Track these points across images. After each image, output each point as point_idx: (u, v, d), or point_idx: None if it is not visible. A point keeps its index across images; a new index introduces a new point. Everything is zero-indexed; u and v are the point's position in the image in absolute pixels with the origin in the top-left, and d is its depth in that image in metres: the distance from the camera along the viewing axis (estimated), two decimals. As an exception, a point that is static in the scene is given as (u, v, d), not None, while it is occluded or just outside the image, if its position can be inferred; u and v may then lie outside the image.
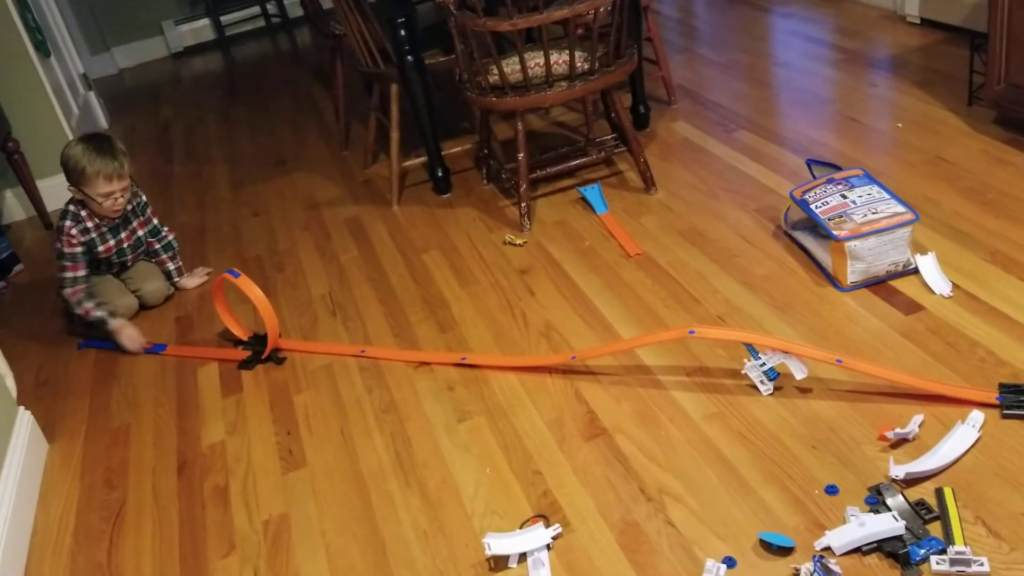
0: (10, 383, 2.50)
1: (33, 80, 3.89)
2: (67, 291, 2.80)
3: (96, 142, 2.76)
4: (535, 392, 2.23)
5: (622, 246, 2.77)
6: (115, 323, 2.79)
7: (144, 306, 3.00)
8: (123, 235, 2.93)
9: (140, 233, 2.98)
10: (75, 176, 2.73)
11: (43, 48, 4.14)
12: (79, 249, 2.80)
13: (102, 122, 5.03)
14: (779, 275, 2.48)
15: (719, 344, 2.24)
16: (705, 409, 2.06)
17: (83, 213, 2.81)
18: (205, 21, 6.33)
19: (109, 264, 2.97)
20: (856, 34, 3.95)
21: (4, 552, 1.98)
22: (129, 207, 2.91)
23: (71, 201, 2.82)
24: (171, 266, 3.08)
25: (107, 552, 2.05)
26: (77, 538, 2.11)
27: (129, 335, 2.77)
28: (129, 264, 3.01)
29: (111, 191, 2.75)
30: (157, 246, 3.06)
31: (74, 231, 2.79)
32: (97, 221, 2.84)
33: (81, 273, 2.81)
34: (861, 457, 1.84)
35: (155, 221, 3.04)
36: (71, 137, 4.02)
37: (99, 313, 2.79)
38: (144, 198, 3.01)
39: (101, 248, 2.87)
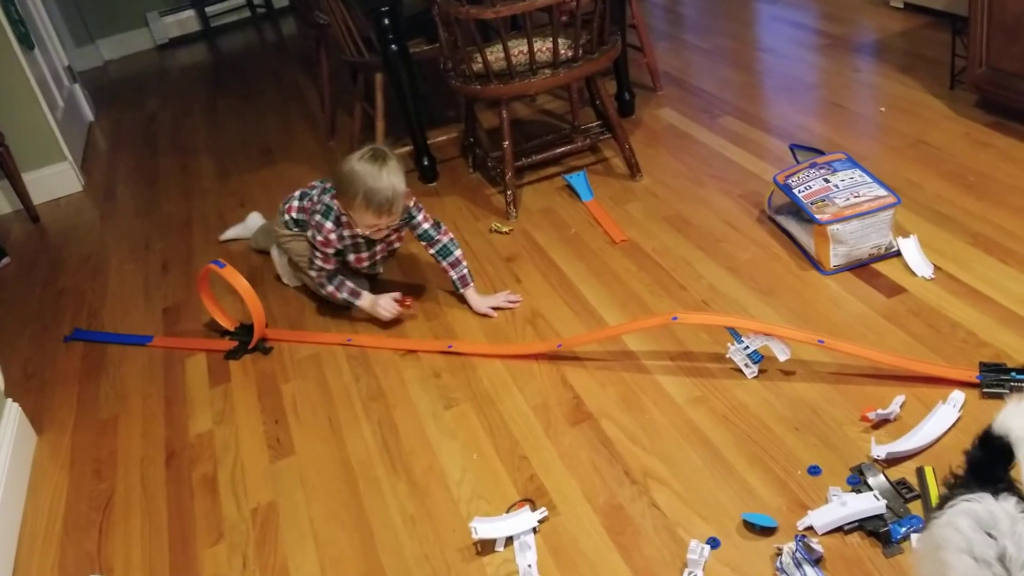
0: (-3, 376, 2.50)
1: (17, 73, 3.87)
2: (312, 273, 2.59)
3: (378, 168, 2.38)
4: (521, 378, 2.24)
5: (607, 233, 2.78)
6: (361, 302, 2.58)
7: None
8: (378, 247, 2.64)
9: (398, 245, 2.71)
10: (348, 194, 2.41)
11: (26, 41, 4.12)
12: (331, 249, 2.53)
13: (88, 115, 5.01)
14: (763, 260, 2.50)
15: (703, 328, 2.26)
16: (689, 393, 2.08)
17: (344, 218, 2.49)
18: (190, 12, 6.31)
19: (356, 273, 2.72)
20: (840, 20, 3.96)
21: (-7, 543, 1.99)
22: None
23: (330, 196, 2.53)
24: (454, 275, 2.60)
25: (96, 542, 2.06)
26: (67, 529, 2.12)
27: (383, 306, 2.56)
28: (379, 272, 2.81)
29: (377, 225, 2.46)
30: (431, 251, 2.61)
31: (332, 236, 2.49)
32: (356, 231, 2.51)
33: (330, 267, 2.56)
34: (843, 438, 1.86)
35: (426, 226, 2.57)
36: (56, 130, 4.02)
37: (343, 295, 2.59)
38: (412, 201, 2.56)
39: (352, 258, 2.61)
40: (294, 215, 2.70)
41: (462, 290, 2.60)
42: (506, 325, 2.47)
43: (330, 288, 2.60)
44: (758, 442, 1.90)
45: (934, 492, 1.68)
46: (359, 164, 2.40)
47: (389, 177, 2.39)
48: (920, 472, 1.73)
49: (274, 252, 2.93)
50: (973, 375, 1.92)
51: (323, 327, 2.64)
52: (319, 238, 2.50)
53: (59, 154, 4.07)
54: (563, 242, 2.80)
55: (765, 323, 2.13)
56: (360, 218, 2.44)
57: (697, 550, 1.66)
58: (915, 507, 1.67)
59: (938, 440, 1.80)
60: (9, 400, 2.41)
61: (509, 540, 1.79)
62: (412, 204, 2.55)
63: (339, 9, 3.16)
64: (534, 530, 1.80)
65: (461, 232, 2.98)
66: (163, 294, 3.04)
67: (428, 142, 3.33)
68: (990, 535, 1.15)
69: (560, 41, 2.82)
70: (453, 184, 3.33)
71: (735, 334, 2.13)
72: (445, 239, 2.59)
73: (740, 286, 2.41)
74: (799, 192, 2.43)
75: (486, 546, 1.80)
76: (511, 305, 2.57)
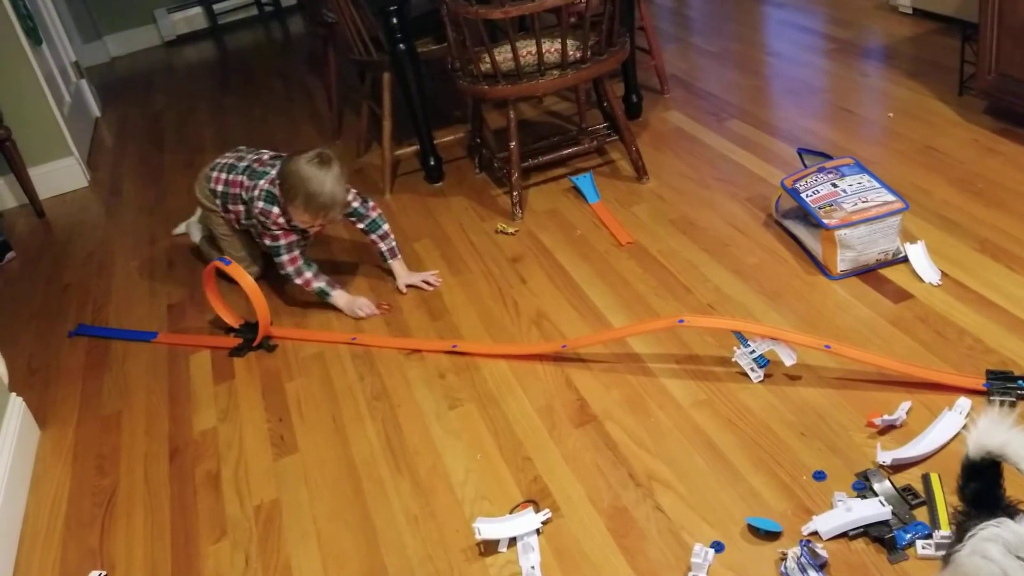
0: (2, 369, 2.50)
1: (24, 68, 3.88)
2: (283, 259, 2.61)
3: (323, 174, 2.48)
4: (525, 379, 2.24)
5: (613, 235, 2.78)
6: (337, 296, 2.65)
7: None
8: (312, 229, 2.68)
9: (338, 218, 2.71)
10: (289, 193, 2.51)
11: (34, 36, 4.12)
12: (284, 227, 2.60)
13: (94, 110, 5.02)
14: (769, 264, 2.49)
15: (709, 332, 2.25)
16: (694, 396, 2.07)
17: (282, 207, 2.59)
18: (198, 9, 6.31)
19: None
20: (849, 24, 3.96)
21: (-5, 538, 1.99)
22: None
23: (273, 183, 2.59)
24: (383, 246, 2.75)
25: (99, 538, 2.06)
26: (69, 524, 2.12)
27: (360, 305, 2.64)
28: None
29: (312, 224, 2.58)
30: (360, 226, 2.74)
31: (281, 219, 2.57)
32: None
33: (294, 238, 2.61)
34: (849, 443, 1.85)
35: (355, 204, 2.69)
36: (63, 125, 4.02)
37: (319, 284, 2.64)
38: (353, 195, 2.68)
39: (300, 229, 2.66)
40: (220, 187, 2.76)
41: (390, 261, 2.75)
42: (511, 326, 2.46)
43: (308, 275, 2.66)
44: (763, 446, 1.89)
45: (940, 499, 1.67)
46: (306, 167, 2.49)
47: (332, 185, 2.49)
48: (926, 479, 1.73)
49: (191, 226, 3.08)
50: (980, 382, 1.91)
51: (327, 325, 2.64)
52: (268, 221, 2.59)
53: (65, 149, 4.07)
54: (569, 243, 2.79)
55: (772, 327, 2.13)
56: (296, 215, 2.56)
57: (701, 554, 1.65)
58: (920, 513, 1.66)
59: (944, 447, 1.79)
60: (13, 394, 2.41)
61: (512, 541, 1.79)
62: (354, 198, 2.69)
63: (347, 8, 3.16)
64: (537, 531, 1.80)
65: (466, 232, 2.98)
66: (168, 291, 3.03)
67: (435, 142, 3.33)
68: (1020, 558, 1.14)
69: (568, 42, 2.81)
70: (459, 184, 3.33)
71: (741, 338, 2.13)
72: (374, 214, 2.72)
73: (746, 290, 2.40)
74: (807, 196, 2.42)
75: (489, 547, 1.79)
76: (430, 286, 2.72)
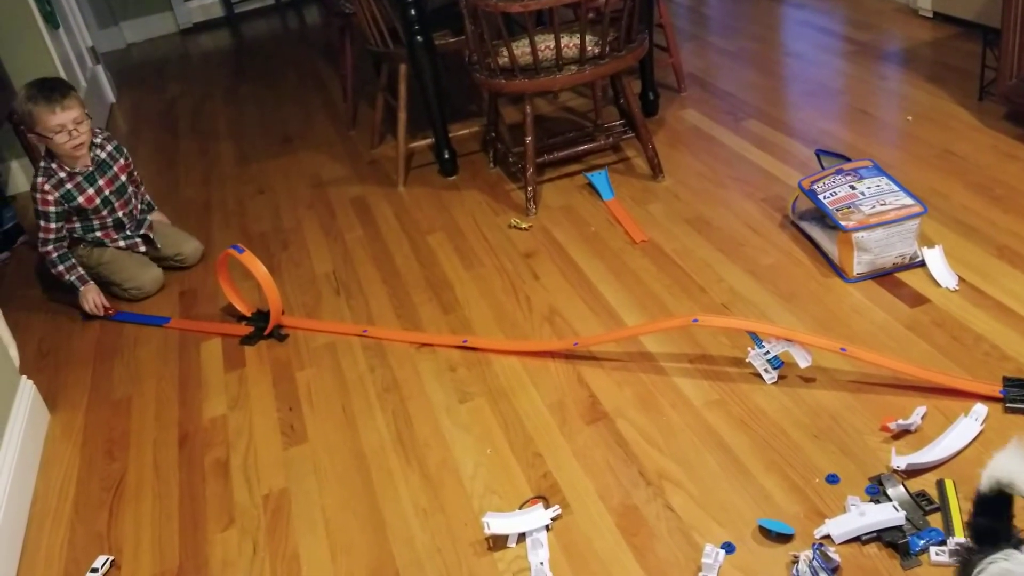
0: (13, 352, 2.50)
1: (41, 52, 3.88)
2: (40, 250, 2.83)
3: (40, 82, 2.76)
4: (537, 375, 2.23)
5: (628, 233, 2.76)
6: (83, 288, 2.84)
7: (184, 267, 3.06)
8: (102, 183, 2.88)
9: (123, 178, 2.96)
10: (27, 119, 2.73)
11: (52, 20, 4.13)
12: (52, 208, 2.78)
13: (109, 96, 5.02)
14: (785, 265, 2.48)
15: (723, 332, 2.24)
16: (707, 396, 2.06)
17: (53, 165, 2.79)
18: (214, -3, 6.32)
19: (117, 223, 2.95)
20: (868, 26, 3.93)
21: (4, 520, 1.98)
22: (103, 153, 2.90)
23: (43, 156, 2.83)
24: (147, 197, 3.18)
25: (106, 522, 2.05)
26: (77, 508, 2.12)
27: (93, 300, 2.83)
28: (132, 217, 3.01)
29: (61, 123, 2.71)
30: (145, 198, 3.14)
31: (47, 186, 2.77)
32: (69, 171, 2.81)
33: (52, 236, 2.81)
34: (863, 447, 1.84)
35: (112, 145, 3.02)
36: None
37: (70, 278, 2.83)
38: (116, 142, 3.00)
39: (81, 199, 2.83)
40: (53, 225, 2.83)
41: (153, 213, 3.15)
42: (523, 322, 2.45)
43: (60, 268, 2.83)
44: (776, 448, 1.88)
45: (954, 505, 1.66)
46: (22, 91, 2.73)
47: (53, 83, 2.74)
48: (940, 485, 1.71)
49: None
50: (996, 389, 1.90)
51: (339, 316, 2.64)
52: (37, 196, 2.77)
53: (80, 134, 4.06)
54: (582, 240, 2.78)
55: (786, 328, 2.11)
56: (45, 125, 2.70)
57: (712, 554, 1.64)
58: (934, 519, 1.65)
59: (959, 453, 1.78)
60: (24, 377, 2.41)
61: (522, 537, 1.78)
62: (117, 144, 2.97)
63: (366, -2, 3.15)
64: (547, 527, 1.79)
65: (480, 226, 2.97)
66: (180, 277, 3.03)
67: (449, 135, 3.32)
68: None
69: (587, 38, 2.80)
70: (473, 178, 3.32)
71: (756, 339, 2.12)
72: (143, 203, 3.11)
73: (761, 291, 2.39)
74: (824, 198, 2.41)
75: (498, 541, 1.79)
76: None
